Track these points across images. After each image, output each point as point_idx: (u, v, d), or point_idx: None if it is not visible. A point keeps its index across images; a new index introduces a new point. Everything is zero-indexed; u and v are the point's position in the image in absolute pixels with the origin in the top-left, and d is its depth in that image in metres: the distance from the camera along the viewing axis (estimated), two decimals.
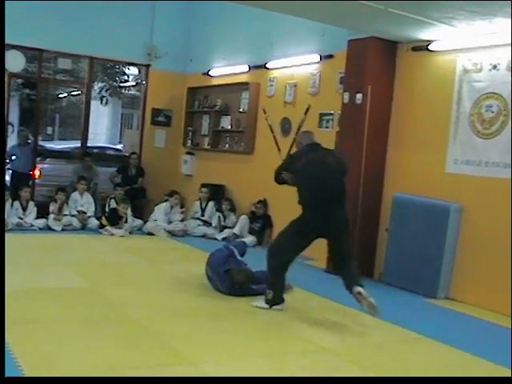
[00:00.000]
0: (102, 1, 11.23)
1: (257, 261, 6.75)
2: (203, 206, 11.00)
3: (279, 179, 6.32)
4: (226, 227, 10.48)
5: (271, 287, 6.10)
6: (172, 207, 10.92)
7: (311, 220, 5.97)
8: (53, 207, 10.32)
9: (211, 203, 10.94)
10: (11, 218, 9.82)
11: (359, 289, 5.75)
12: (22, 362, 4.16)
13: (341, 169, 6.15)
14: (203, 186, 11.17)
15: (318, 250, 8.47)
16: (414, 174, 7.74)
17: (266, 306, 6.06)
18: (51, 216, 10.19)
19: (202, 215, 10.94)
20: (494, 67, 6.85)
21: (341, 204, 6.05)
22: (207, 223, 10.79)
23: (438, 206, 7.21)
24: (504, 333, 6.03)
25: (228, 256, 6.85)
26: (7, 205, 9.86)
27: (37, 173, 11.69)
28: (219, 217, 10.69)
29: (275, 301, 6.08)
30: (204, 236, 10.56)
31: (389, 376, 4.55)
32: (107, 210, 10.72)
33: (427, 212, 7.32)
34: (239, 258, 6.95)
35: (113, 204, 10.70)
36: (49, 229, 10.06)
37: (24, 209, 10.13)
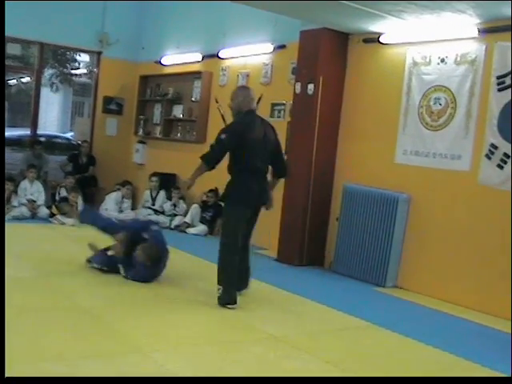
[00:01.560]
0: None
1: (208, 250, 6.76)
2: (153, 194, 10.95)
3: (216, 161, 5.75)
4: (176, 215, 10.47)
5: (222, 283, 5.80)
6: (123, 197, 10.86)
7: (250, 187, 5.80)
8: None
9: (162, 192, 10.92)
10: None
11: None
12: None
13: (277, 141, 6.09)
14: (153, 174, 11.12)
15: (269, 239, 8.58)
16: (364, 165, 7.85)
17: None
18: None
19: (153, 204, 10.90)
20: (442, 61, 6.99)
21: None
22: (158, 212, 10.75)
23: (387, 195, 7.33)
24: (449, 320, 6.21)
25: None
26: None
27: None
28: (170, 205, 10.67)
29: (226, 300, 5.78)
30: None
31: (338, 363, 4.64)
32: (57, 198, 10.60)
33: (377, 202, 7.44)
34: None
35: (63, 193, 10.57)
36: None
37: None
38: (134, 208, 11.04)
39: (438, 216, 6.99)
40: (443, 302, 6.76)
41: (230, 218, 5.88)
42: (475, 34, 6.59)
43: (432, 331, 5.72)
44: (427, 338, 5.39)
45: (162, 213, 10.69)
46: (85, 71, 20.05)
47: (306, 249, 8.14)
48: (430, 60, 7.12)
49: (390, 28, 7.31)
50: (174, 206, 10.63)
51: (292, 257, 8.17)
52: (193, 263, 7.78)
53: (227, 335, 5.14)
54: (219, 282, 5.81)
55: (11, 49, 12.17)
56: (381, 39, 7.60)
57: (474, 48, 6.69)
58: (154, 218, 10.57)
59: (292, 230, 8.21)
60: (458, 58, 6.83)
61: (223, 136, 5.71)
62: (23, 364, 3.99)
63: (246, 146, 5.78)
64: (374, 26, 7.41)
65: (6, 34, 11.03)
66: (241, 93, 6.00)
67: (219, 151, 5.73)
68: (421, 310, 6.54)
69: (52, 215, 10.15)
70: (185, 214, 10.33)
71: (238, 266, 5.93)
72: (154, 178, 11.02)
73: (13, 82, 23.19)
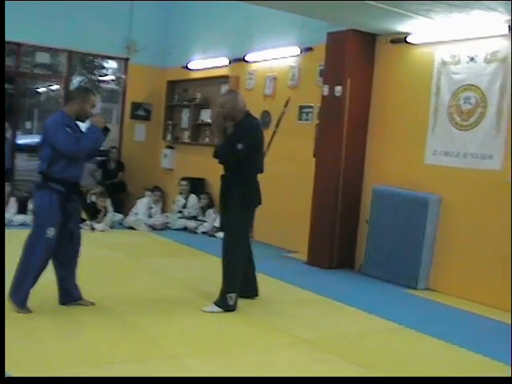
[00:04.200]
0: None
1: None
2: (184, 198, 10.99)
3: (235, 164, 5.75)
4: (204, 221, 10.47)
5: (234, 289, 5.69)
6: (153, 202, 10.91)
7: (258, 189, 5.87)
8: (31, 205, 10.20)
9: (193, 196, 10.94)
10: None
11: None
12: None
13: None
14: (183, 179, 11.16)
15: (299, 243, 8.56)
16: (393, 166, 7.79)
17: (219, 309, 5.66)
18: (29, 214, 10.10)
19: (184, 207, 10.93)
20: (472, 59, 6.91)
21: None
22: (189, 217, 10.76)
23: (418, 197, 7.26)
24: (482, 322, 6.13)
25: None
26: None
27: None
28: (198, 208, 10.70)
29: (234, 306, 5.70)
30: (185, 229, 10.56)
31: (369, 367, 4.60)
32: (86, 204, 10.66)
33: (407, 203, 7.37)
34: None
35: (92, 198, 10.65)
36: (28, 224, 9.98)
37: (5, 204, 10.05)
38: (163, 212, 11.06)
39: (470, 216, 6.91)
40: (475, 303, 6.66)
41: (243, 221, 5.82)
42: (506, 31, 6.49)
43: (464, 333, 5.66)
44: (459, 340, 5.32)
45: (194, 217, 10.68)
46: (112, 78, 20.10)
47: (336, 251, 8.09)
48: (459, 59, 7.04)
49: (417, 28, 7.25)
50: (203, 209, 10.62)
51: (322, 260, 8.12)
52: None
53: (258, 339, 5.11)
54: (231, 290, 5.69)
55: (40, 57, 12.29)
56: (408, 39, 7.53)
57: (505, 45, 6.59)
58: (183, 221, 10.64)
59: (322, 232, 8.17)
60: (488, 56, 6.74)
61: (241, 146, 5.59)
62: (60, 368, 4.01)
63: (258, 151, 5.82)
64: (401, 26, 7.35)
65: (36, 42, 11.24)
66: (232, 97, 5.85)
67: (238, 160, 5.67)
68: (453, 312, 6.46)
69: (82, 220, 10.20)
70: (214, 219, 10.34)
71: (247, 272, 5.98)
72: (183, 182, 11.06)
73: (42, 89, 23.44)
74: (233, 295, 5.67)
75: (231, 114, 5.76)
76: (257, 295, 6.22)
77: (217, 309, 5.66)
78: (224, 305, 5.67)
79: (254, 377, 4.20)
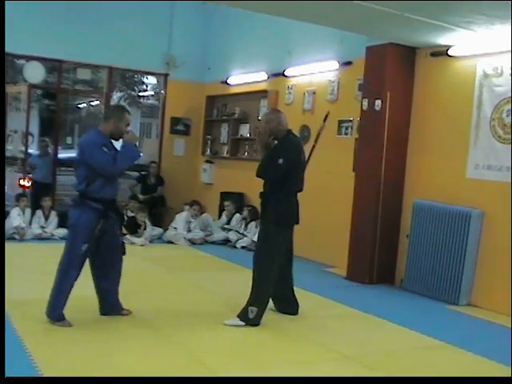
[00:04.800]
0: (120, 11, 11.36)
1: None
2: (229, 217, 11.04)
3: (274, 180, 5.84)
4: (245, 235, 10.46)
5: (260, 304, 5.71)
6: (192, 216, 10.94)
7: (294, 208, 5.93)
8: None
9: (237, 215, 10.92)
10: (33, 228, 9.90)
11: None
12: (43, 369, 4.19)
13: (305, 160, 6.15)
14: (225, 198, 11.20)
15: (339, 258, 8.51)
16: (434, 180, 7.70)
17: (240, 322, 5.65)
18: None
19: (228, 224, 10.98)
20: None
21: None
22: (233, 230, 10.77)
23: (459, 211, 7.16)
24: None
25: None
26: (27, 214, 9.96)
27: (25, 182, 10.93)
28: (240, 221, 10.73)
29: (258, 321, 5.69)
30: (224, 243, 10.59)
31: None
32: (126, 218, 10.75)
33: (448, 218, 7.27)
34: None
35: (129, 213, 10.73)
36: None
37: (46, 218, 10.19)
38: (202, 229, 11.06)
39: None
40: None
41: (274, 239, 5.79)
42: None
43: (507, 350, 5.53)
44: (502, 357, 5.21)
45: (240, 233, 10.67)
46: (152, 93, 20.36)
47: (375, 266, 8.02)
48: (501, 71, 6.94)
49: (458, 40, 7.17)
50: (245, 221, 10.60)
51: (362, 275, 8.05)
52: None
53: (299, 355, 5.07)
54: (253, 303, 5.70)
55: (81, 74, 12.48)
56: (449, 52, 7.46)
57: None
58: (223, 234, 10.67)
59: (362, 247, 8.11)
60: None
61: (281, 161, 5.65)
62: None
63: (298, 169, 5.86)
64: (441, 39, 7.28)
65: (77, 59, 11.39)
66: (275, 116, 5.96)
67: (278, 175, 5.71)
68: (496, 329, 6.33)
69: (122, 235, 10.27)
70: (254, 233, 10.33)
71: (285, 288, 6.10)
72: (227, 203, 11.09)
73: (83, 105, 23.78)
74: (254, 309, 5.66)
75: (275, 131, 5.86)
76: (296, 313, 6.18)
77: (238, 322, 5.66)
78: (244, 317, 5.67)
79: (256, 377, 4.21)
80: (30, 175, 11.06)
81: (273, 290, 5.87)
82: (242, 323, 5.64)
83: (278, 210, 5.77)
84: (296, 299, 6.23)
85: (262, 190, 5.94)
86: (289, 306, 6.18)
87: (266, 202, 5.86)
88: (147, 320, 5.67)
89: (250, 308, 5.67)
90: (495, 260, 6.95)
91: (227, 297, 6.76)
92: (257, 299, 5.71)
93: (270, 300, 5.93)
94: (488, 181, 7.06)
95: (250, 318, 5.65)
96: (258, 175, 5.87)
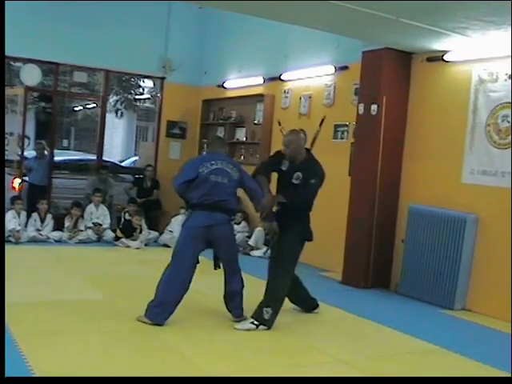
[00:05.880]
0: (117, 14, 11.38)
1: None
2: None
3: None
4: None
5: (276, 305, 5.81)
6: None
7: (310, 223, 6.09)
8: (68, 223, 10.34)
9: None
10: (28, 231, 9.90)
11: None
12: (38, 372, 4.19)
13: None
14: None
15: (334, 262, 8.51)
16: (429, 185, 7.72)
17: (254, 326, 5.72)
18: (66, 232, 10.24)
19: None
20: (510, 77, 6.82)
21: None
22: None
23: (455, 216, 7.18)
24: None
25: None
26: (22, 217, 9.96)
27: (16, 184, 10.98)
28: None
29: (272, 322, 5.78)
30: None
31: None
32: (122, 222, 10.74)
33: (443, 223, 7.29)
34: None
35: (127, 216, 10.72)
36: (64, 241, 10.10)
37: (42, 221, 10.19)
38: None
39: (507, 236, 6.79)
40: None
41: (297, 255, 5.98)
42: None
43: (502, 355, 5.54)
44: (497, 362, 5.23)
45: None
46: (148, 96, 20.37)
47: (371, 271, 8.03)
48: (496, 77, 6.97)
49: (454, 46, 7.20)
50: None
51: (357, 279, 8.06)
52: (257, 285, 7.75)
53: (293, 359, 5.08)
54: (269, 305, 5.78)
55: (78, 77, 12.45)
56: (445, 57, 7.48)
57: None
58: None
59: (357, 252, 8.12)
60: None
61: (313, 181, 5.89)
62: None
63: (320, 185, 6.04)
64: (437, 45, 7.31)
65: (73, 62, 11.39)
66: (295, 137, 6.02)
67: (315, 195, 6.03)
68: (490, 333, 6.36)
69: (117, 238, 10.30)
70: (249, 237, 10.33)
71: (298, 290, 6.38)
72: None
73: (79, 108, 23.78)
74: (269, 310, 5.74)
75: (293, 155, 5.96)
76: (317, 304, 6.57)
77: (250, 326, 5.69)
78: (259, 318, 5.73)
79: (256, 377, 4.23)
80: (24, 177, 11.07)
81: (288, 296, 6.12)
82: (254, 327, 5.69)
83: (303, 227, 5.99)
84: (310, 296, 6.54)
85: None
86: (310, 303, 6.53)
87: (289, 217, 5.92)
88: (142, 323, 5.66)
89: (265, 309, 5.75)
90: (490, 265, 6.97)
91: (223, 300, 6.74)
92: (274, 302, 5.80)
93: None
94: (483, 186, 7.07)
95: (265, 318, 5.72)
96: (296, 205, 5.95)
